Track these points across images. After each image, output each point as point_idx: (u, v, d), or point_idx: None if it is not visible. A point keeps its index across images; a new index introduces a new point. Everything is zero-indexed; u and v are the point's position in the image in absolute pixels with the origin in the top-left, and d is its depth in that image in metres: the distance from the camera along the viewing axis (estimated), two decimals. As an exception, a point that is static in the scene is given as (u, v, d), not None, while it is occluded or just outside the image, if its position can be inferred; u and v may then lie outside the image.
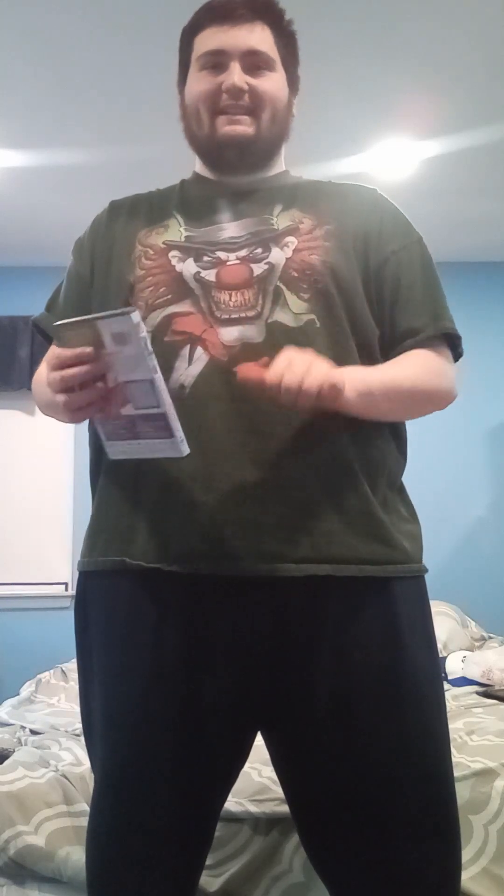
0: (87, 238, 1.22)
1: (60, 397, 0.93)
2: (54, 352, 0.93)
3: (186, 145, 1.20)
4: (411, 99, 2.61)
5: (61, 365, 0.90)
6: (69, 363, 0.90)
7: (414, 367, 1.08)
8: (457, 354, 1.15)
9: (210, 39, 1.12)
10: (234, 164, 1.15)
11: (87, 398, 0.91)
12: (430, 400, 1.10)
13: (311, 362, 0.92)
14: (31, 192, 3.21)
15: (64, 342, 0.90)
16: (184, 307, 1.05)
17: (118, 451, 0.98)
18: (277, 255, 1.07)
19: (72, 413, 0.94)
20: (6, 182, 3.12)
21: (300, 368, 0.91)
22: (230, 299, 1.05)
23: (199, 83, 1.13)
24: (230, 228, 1.12)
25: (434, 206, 3.21)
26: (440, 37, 2.29)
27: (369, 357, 1.09)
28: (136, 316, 0.83)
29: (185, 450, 0.91)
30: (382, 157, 2.95)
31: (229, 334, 1.03)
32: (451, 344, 1.14)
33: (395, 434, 1.12)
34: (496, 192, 3.26)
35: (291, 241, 1.09)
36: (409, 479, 1.13)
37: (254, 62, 1.11)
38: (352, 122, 2.73)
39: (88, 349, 0.88)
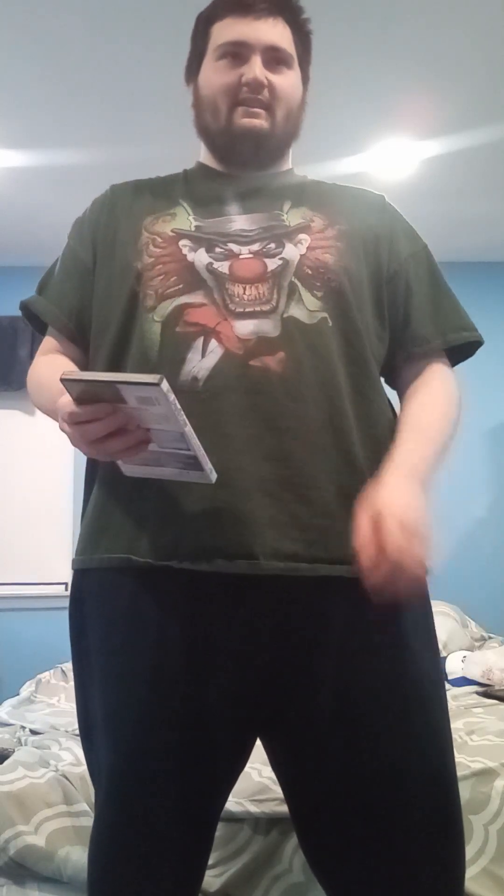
0: (87, 220, 1.20)
1: (86, 449, 0.92)
2: (65, 405, 0.89)
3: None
4: (411, 99, 2.61)
5: (77, 421, 0.89)
6: (86, 419, 0.88)
7: (442, 418, 1.10)
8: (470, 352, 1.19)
9: (230, 30, 1.11)
10: (246, 158, 1.15)
11: (115, 447, 0.90)
12: (456, 432, 1.13)
13: (413, 544, 0.91)
14: (31, 192, 3.21)
15: (75, 393, 0.87)
16: (196, 298, 1.04)
17: (133, 471, 0.96)
18: (291, 252, 1.07)
19: (102, 458, 0.94)
20: (6, 182, 3.12)
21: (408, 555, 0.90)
22: (244, 293, 1.03)
23: (218, 74, 1.12)
24: (239, 221, 1.11)
25: (434, 206, 3.22)
26: (440, 37, 2.30)
27: (377, 356, 1.10)
28: (164, 385, 0.80)
29: (214, 478, 0.91)
30: (382, 157, 2.96)
31: (244, 327, 1.01)
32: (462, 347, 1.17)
33: None
34: (496, 192, 3.26)
35: (304, 238, 1.09)
36: (409, 479, 1.13)
37: (274, 58, 1.11)
38: (352, 122, 2.73)
39: (107, 406, 0.86)
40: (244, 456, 0.97)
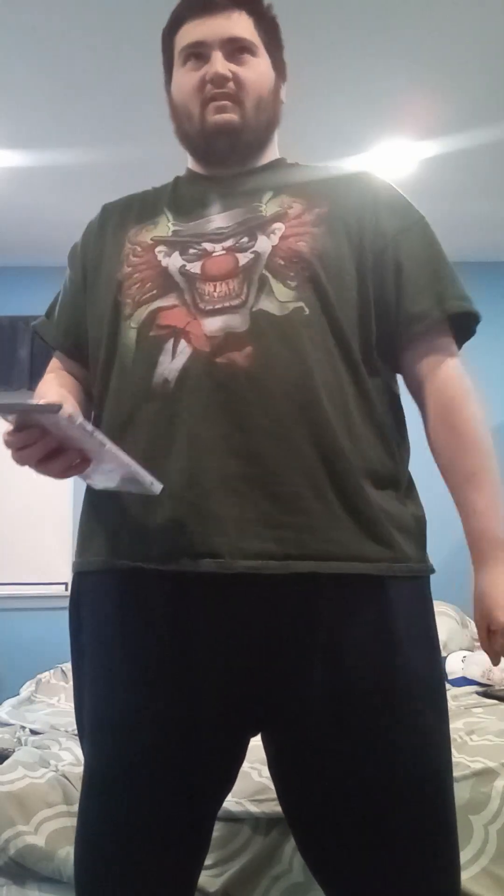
0: (79, 244, 1.22)
1: (34, 469, 0.94)
2: (3, 434, 0.92)
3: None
4: (411, 99, 2.61)
5: (11, 448, 0.91)
6: (19, 446, 0.90)
7: (487, 453, 1.11)
8: (469, 331, 1.15)
9: (189, 33, 1.12)
10: (224, 154, 1.14)
11: (55, 469, 0.92)
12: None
13: None
14: (31, 192, 3.21)
15: (9, 420, 0.89)
16: (168, 301, 1.04)
17: (97, 484, 0.99)
18: (263, 243, 1.05)
19: (53, 477, 0.95)
20: (6, 182, 3.13)
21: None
22: (214, 290, 1.02)
23: (183, 78, 1.13)
24: (217, 220, 1.10)
25: (434, 206, 3.17)
26: (440, 37, 2.30)
27: (363, 343, 1.05)
28: (64, 411, 0.81)
29: (158, 489, 0.91)
30: (382, 157, 2.96)
31: (213, 324, 1.00)
32: (462, 322, 1.12)
33: (398, 427, 1.10)
34: (496, 192, 3.26)
35: (279, 227, 1.06)
36: (408, 479, 1.13)
37: (235, 48, 1.11)
38: (352, 123, 2.73)
39: (36, 432, 0.88)
40: (211, 455, 0.97)
